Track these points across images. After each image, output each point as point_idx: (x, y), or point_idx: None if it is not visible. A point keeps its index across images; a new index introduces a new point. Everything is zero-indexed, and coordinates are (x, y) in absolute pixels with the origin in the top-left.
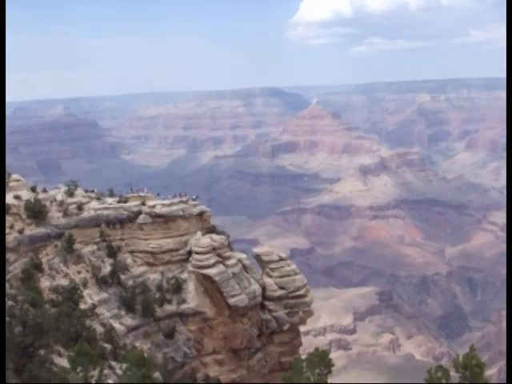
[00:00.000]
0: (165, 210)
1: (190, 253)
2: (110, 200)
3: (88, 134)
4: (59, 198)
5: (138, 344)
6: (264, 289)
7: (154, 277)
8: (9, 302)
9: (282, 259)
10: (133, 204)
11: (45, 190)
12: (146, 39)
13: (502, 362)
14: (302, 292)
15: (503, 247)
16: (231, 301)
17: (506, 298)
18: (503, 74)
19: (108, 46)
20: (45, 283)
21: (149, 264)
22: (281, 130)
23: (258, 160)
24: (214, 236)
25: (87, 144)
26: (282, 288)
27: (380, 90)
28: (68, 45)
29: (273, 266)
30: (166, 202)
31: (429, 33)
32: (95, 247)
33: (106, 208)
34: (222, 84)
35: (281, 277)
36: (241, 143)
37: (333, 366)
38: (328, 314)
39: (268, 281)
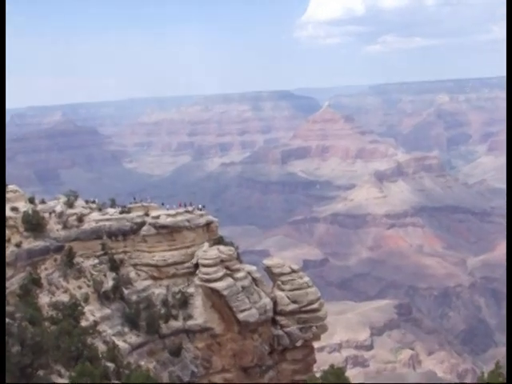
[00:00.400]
0: (170, 220)
1: (196, 265)
2: (111, 211)
3: (88, 142)
4: (58, 209)
5: (142, 363)
6: (275, 303)
7: (158, 291)
8: (6, 320)
9: (293, 271)
10: (136, 215)
11: (43, 201)
12: (148, 40)
13: None
14: (315, 306)
15: None
16: (241, 316)
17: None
18: None
19: (106, 48)
20: (44, 299)
21: (153, 278)
22: (291, 135)
23: (267, 167)
24: (221, 247)
25: (87, 152)
26: (294, 302)
27: (395, 91)
28: (66, 49)
29: (284, 278)
30: (171, 212)
31: (447, 29)
32: (97, 261)
33: (108, 219)
34: (228, 87)
35: (293, 290)
36: (249, 149)
37: None
38: (343, 329)
39: (279, 294)
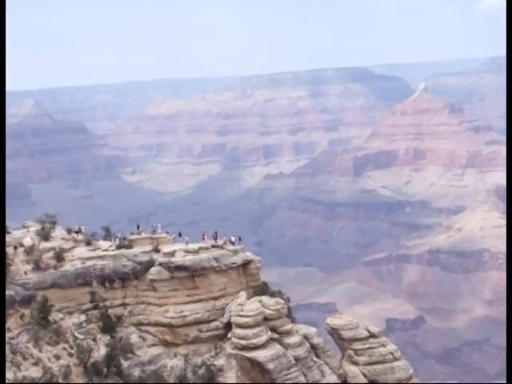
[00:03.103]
0: (190, 259)
1: (229, 325)
2: (105, 245)
3: (71, 144)
4: (28, 242)
5: None
6: (345, 381)
7: (173, 363)
8: None
9: (372, 335)
10: (140, 251)
11: (6, 230)
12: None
13: None
14: None
15: None
16: None
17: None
18: None
19: (102, 16)
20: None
21: (165, 343)
22: (368, 134)
23: (332, 180)
24: (265, 299)
25: (70, 159)
26: (373, 381)
27: None
28: (46, 18)
29: (359, 346)
30: (192, 247)
31: None
32: (83, 318)
33: (100, 257)
34: (276, 65)
35: (371, 363)
36: (306, 155)
37: None
38: None
39: (351, 370)
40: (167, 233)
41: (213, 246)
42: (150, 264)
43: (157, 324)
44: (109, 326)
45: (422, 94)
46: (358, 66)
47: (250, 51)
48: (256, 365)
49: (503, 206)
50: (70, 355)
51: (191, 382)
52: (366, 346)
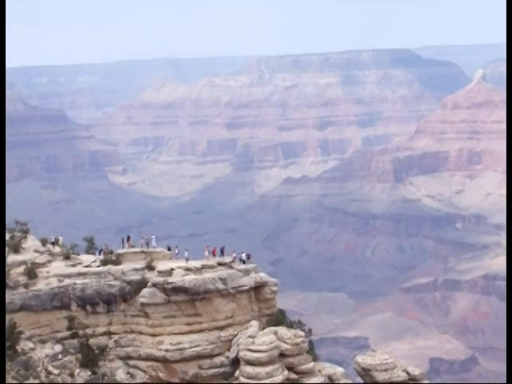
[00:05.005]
0: (190, 279)
1: (236, 362)
2: (87, 259)
3: (49, 136)
4: None
5: None
6: None
7: None
8: None
9: (413, 379)
10: (130, 268)
11: None
12: None
13: None
14: None
15: None
16: None
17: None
18: None
19: None
20: None
21: (158, 381)
22: (412, 131)
23: (367, 187)
24: (282, 331)
25: (47, 154)
26: None
27: None
28: None
29: None
30: (193, 264)
31: None
32: (59, 348)
33: (81, 274)
34: (299, 45)
35: None
36: (335, 155)
37: None
38: None
39: None
40: (169, 249)
41: (219, 264)
42: (142, 284)
43: (148, 358)
44: (90, 358)
45: (479, 84)
46: (401, 48)
47: (269, 26)
48: None
49: None
50: None
51: None
52: None
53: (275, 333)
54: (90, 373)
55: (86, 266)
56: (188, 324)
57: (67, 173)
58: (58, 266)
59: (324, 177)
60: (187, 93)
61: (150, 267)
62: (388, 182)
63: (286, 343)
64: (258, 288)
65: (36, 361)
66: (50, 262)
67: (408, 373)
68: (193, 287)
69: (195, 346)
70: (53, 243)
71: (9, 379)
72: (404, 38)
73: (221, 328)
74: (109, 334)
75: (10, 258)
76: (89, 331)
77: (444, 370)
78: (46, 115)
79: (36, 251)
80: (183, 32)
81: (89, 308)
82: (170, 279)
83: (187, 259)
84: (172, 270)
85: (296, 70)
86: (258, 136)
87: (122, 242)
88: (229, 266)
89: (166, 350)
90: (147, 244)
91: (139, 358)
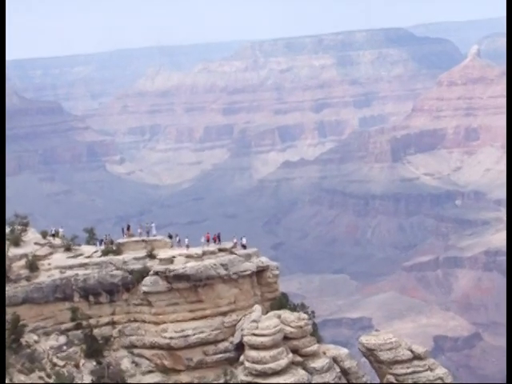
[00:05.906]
0: (192, 266)
1: (240, 347)
2: (88, 250)
3: (45, 128)
4: None
5: None
6: None
7: None
8: None
9: (417, 357)
10: (132, 257)
11: None
12: None
13: None
14: None
15: None
16: None
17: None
18: None
19: None
20: None
21: (164, 369)
22: (409, 110)
23: (365, 168)
24: (285, 314)
25: (44, 146)
26: None
27: None
28: None
29: (400, 370)
30: (194, 251)
31: None
32: (63, 340)
33: (82, 265)
34: (292, 28)
35: None
36: (333, 136)
37: None
38: None
39: None
40: (170, 237)
41: (220, 250)
42: (144, 273)
43: (153, 346)
44: (94, 349)
45: (474, 60)
46: (395, 27)
47: (262, 10)
48: None
49: None
50: None
51: None
52: (410, 370)
53: (279, 316)
54: (95, 363)
55: (88, 257)
56: (191, 311)
57: (65, 164)
58: (60, 258)
59: (322, 159)
60: (182, 80)
61: (151, 256)
62: (386, 161)
63: (290, 326)
64: (260, 272)
65: (41, 353)
66: (51, 254)
67: (412, 351)
68: (195, 274)
69: (199, 333)
70: (53, 235)
71: (14, 373)
72: (397, 17)
73: (224, 314)
74: (112, 323)
75: (11, 251)
76: (92, 322)
77: (448, 348)
78: (41, 108)
79: (37, 244)
80: (176, 19)
81: (91, 298)
82: (171, 267)
83: (188, 246)
84: (173, 257)
85: (290, 53)
86: (255, 120)
87: (122, 231)
88: (230, 251)
89: (171, 338)
90: (147, 233)
91: (144, 346)
